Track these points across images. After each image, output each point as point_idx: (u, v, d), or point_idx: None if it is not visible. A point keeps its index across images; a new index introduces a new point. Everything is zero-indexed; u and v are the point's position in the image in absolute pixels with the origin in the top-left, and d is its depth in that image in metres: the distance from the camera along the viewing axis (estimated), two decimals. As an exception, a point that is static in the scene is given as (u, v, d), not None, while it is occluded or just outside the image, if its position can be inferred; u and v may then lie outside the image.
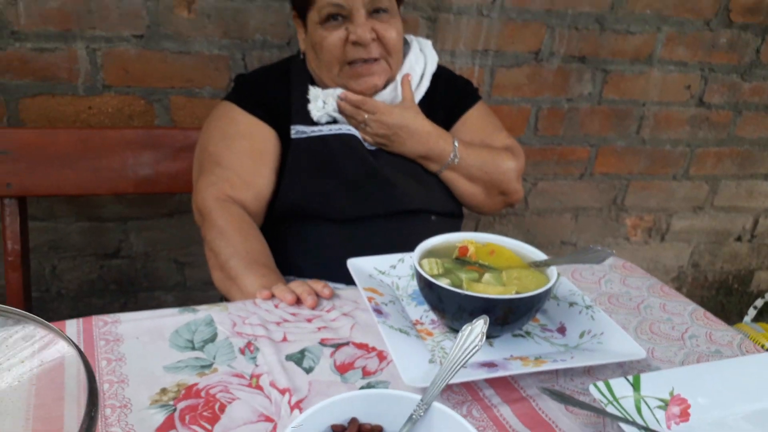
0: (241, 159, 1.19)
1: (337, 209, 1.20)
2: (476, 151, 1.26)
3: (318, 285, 0.89)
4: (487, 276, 0.74)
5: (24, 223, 1.45)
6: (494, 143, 1.30)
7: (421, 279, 0.74)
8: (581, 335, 0.75)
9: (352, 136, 1.22)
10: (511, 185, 1.28)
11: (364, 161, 1.21)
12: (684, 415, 0.62)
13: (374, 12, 1.15)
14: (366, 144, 1.23)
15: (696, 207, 2.19)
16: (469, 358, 0.56)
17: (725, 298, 2.43)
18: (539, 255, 0.80)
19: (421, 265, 0.76)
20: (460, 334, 0.58)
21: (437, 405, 0.53)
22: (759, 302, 2.16)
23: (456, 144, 1.24)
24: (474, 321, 0.58)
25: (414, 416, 0.53)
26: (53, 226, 1.71)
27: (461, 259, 0.80)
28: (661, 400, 0.63)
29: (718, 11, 1.86)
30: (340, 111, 1.22)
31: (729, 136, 2.08)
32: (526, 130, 1.90)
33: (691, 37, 1.87)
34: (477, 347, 0.56)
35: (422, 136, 1.22)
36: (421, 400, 0.54)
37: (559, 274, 0.77)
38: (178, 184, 1.50)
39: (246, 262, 1.03)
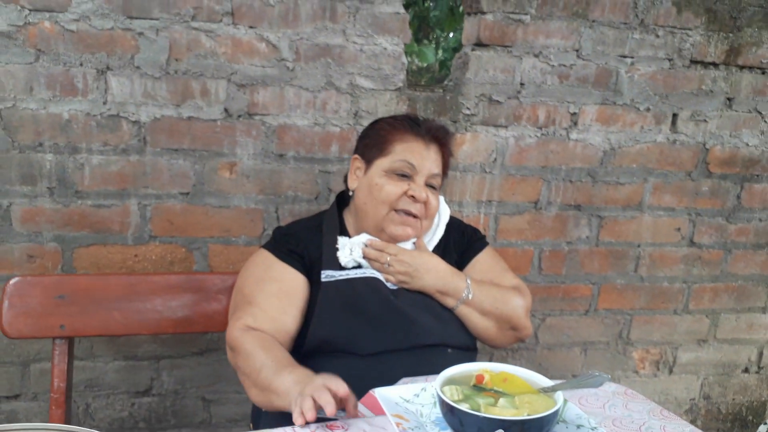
0: (269, 299, 1.34)
1: (362, 344, 1.32)
2: (487, 288, 1.41)
3: (351, 400, 1.00)
4: (502, 401, 0.86)
5: (70, 363, 1.57)
6: (503, 283, 1.45)
7: (443, 404, 0.86)
8: (588, 454, 0.85)
9: (376, 279, 1.37)
10: (520, 321, 1.41)
11: (386, 300, 1.35)
12: None
13: (428, 184, 1.39)
14: (388, 285, 1.38)
15: (700, 340, 2.29)
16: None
17: (741, 430, 2.44)
18: (547, 382, 0.92)
19: (442, 392, 0.87)
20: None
21: None
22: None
23: (469, 281, 1.39)
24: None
25: None
26: (92, 365, 1.83)
27: (478, 386, 0.92)
28: None
29: (697, 164, 2.09)
30: (365, 256, 1.39)
31: (722, 272, 2.23)
32: (531, 270, 2.06)
33: (676, 186, 2.09)
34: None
35: (439, 272, 1.38)
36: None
37: (565, 400, 0.89)
38: (213, 324, 1.63)
39: (274, 369, 1.15)
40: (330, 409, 0.94)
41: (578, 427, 0.92)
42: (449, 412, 0.85)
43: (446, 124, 1.85)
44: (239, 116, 1.73)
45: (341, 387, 0.98)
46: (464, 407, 0.82)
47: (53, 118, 1.64)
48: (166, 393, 1.90)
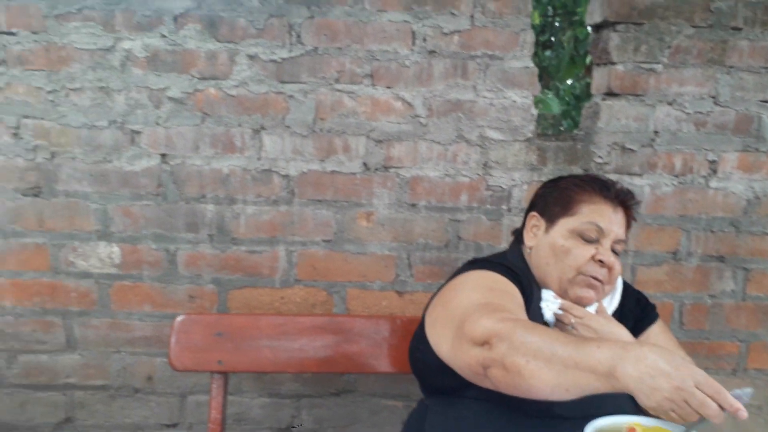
0: (512, 305, 1.20)
1: (535, 404, 1.14)
2: None
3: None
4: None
5: (225, 396, 1.72)
6: None
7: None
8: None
9: None
10: None
11: None
12: None
13: (612, 249, 1.35)
14: None
15: None
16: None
17: None
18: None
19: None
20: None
21: None
22: None
23: None
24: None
25: None
26: (239, 400, 1.97)
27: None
28: None
29: None
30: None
31: None
32: (671, 324, 1.97)
33: (833, 233, 1.94)
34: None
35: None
36: None
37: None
38: (352, 365, 1.71)
39: (575, 343, 0.97)
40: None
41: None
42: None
43: (576, 173, 1.87)
44: (376, 169, 1.85)
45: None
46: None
47: (215, 173, 1.84)
48: (305, 431, 2.00)
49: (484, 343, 1.06)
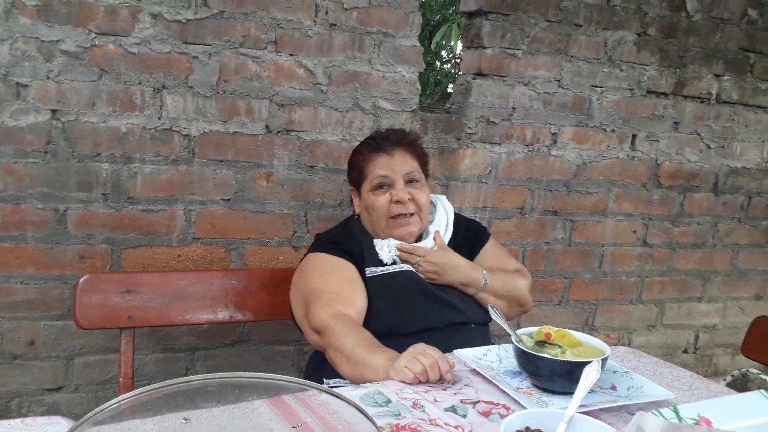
0: (340, 285, 1.54)
1: (405, 325, 1.55)
2: (499, 275, 1.68)
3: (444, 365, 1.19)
4: (568, 352, 1.16)
5: (134, 351, 1.75)
6: (508, 268, 1.73)
7: (523, 354, 1.14)
8: (628, 389, 1.16)
9: (411, 272, 1.62)
10: (526, 298, 1.72)
11: (423, 287, 1.60)
12: (709, 429, 1.02)
13: (409, 182, 1.64)
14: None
15: (649, 326, 2.69)
16: (593, 384, 0.97)
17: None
18: (588, 338, 1.23)
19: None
20: (584, 371, 0.98)
21: (578, 415, 0.93)
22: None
23: (485, 272, 1.66)
24: (591, 363, 0.99)
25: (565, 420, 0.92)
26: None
27: (542, 341, 1.21)
28: (694, 419, 1.03)
29: (650, 177, 2.49)
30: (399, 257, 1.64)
31: (668, 268, 2.64)
32: (514, 268, 2.39)
33: (633, 195, 2.49)
34: (597, 377, 0.97)
35: (461, 268, 1.64)
36: (564, 414, 0.93)
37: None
38: (256, 314, 1.85)
39: (367, 348, 1.32)
40: (434, 377, 1.17)
41: (614, 372, 1.23)
42: (527, 360, 1.14)
43: (450, 141, 2.16)
44: (278, 132, 1.96)
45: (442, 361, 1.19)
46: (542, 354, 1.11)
47: (111, 131, 1.81)
48: (200, 381, 2.08)
49: (319, 332, 1.45)
